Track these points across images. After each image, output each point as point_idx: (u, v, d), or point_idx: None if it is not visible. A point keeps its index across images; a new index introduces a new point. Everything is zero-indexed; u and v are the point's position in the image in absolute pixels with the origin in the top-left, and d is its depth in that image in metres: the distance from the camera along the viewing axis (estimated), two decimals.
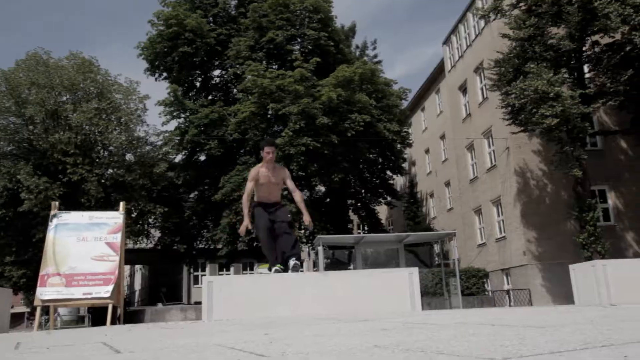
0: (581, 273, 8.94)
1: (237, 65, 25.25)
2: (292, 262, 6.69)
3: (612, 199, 21.94)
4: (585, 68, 20.10)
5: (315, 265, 21.11)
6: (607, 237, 19.23)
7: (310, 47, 25.42)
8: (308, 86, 23.22)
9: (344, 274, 9.49)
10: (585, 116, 18.64)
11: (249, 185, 6.77)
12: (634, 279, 7.94)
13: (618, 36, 18.29)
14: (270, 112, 24.04)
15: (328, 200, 27.42)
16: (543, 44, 19.22)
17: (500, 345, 1.56)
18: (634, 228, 20.81)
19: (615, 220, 21.65)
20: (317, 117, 22.37)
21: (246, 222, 6.58)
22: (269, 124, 24.26)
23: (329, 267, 23.51)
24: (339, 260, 23.20)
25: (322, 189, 27.67)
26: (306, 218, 6.80)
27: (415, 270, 8.73)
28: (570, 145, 18.44)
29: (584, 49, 19.54)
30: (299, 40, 25.89)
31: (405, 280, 8.47)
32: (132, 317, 15.90)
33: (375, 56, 30.72)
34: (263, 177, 6.71)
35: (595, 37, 19.01)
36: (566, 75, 19.04)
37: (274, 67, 25.66)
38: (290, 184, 6.96)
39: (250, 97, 23.77)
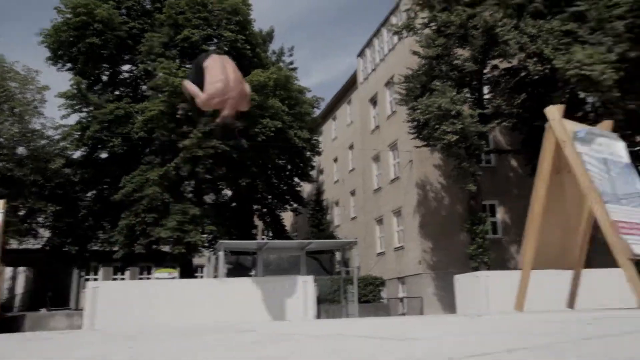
0: (464, 283, 9.47)
1: (149, 62, 24.35)
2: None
3: (500, 214, 23.45)
4: (485, 89, 21.37)
5: (216, 270, 20.75)
6: (493, 249, 20.51)
7: (226, 48, 25.01)
8: None
9: (239, 281, 9.39)
10: (482, 135, 19.81)
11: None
12: (511, 289, 8.46)
13: (515, 62, 19.63)
14: (180, 112, 23.37)
15: (234, 204, 27.09)
16: (449, 63, 20.24)
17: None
18: (518, 241, 22.19)
19: (502, 234, 23.14)
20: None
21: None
22: (178, 124, 23.59)
23: (231, 272, 23.19)
24: (243, 266, 22.96)
25: (229, 193, 27.30)
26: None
27: (309, 279, 8.82)
28: (468, 161, 19.49)
29: (485, 71, 20.76)
30: (215, 40, 25.43)
31: (300, 288, 8.54)
32: (9, 323, 14.62)
33: (292, 63, 30.73)
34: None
35: (496, 62, 20.27)
36: (468, 95, 20.16)
37: (187, 66, 24.99)
38: None
39: (160, 95, 23.00)
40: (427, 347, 1.77)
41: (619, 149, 5.65)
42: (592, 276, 9.13)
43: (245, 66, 24.68)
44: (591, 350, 1.64)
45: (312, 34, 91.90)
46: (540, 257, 5.93)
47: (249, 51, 25.04)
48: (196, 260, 30.25)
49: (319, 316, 19.07)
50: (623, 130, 19.49)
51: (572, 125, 5.40)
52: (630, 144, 21.45)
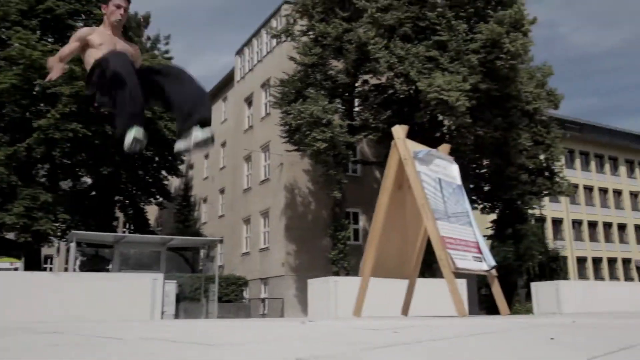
0: (316, 287, 9.82)
1: (3, 29, 22.07)
2: (199, 134, 3.46)
3: (362, 222, 24.61)
4: (356, 102, 22.31)
5: (67, 262, 19.39)
6: (354, 255, 21.45)
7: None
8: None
9: (81, 276, 8.88)
10: (350, 145, 20.67)
11: (71, 46, 3.91)
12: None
13: (384, 79, 20.76)
14: (37, 88, 21.50)
15: (93, 193, 25.48)
16: (324, 73, 20.90)
17: None
18: None
19: (363, 241, 24.27)
20: None
21: (58, 68, 3.78)
22: (33, 102, 21.66)
23: (86, 265, 21.79)
24: (104, 259, 21.69)
25: (89, 180, 25.64)
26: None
27: (160, 277, 8.57)
28: (335, 169, 20.23)
29: (356, 84, 21.71)
30: (83, 17, 23.71)
31: (149, 286, 8.26)
32: None
33: (167, 52, 29.66)
34: (102, 36, 3.99)
35: (367, 77, 21.28)
36: (339, 106, 20.92)
37: (49, 39, 23.03)
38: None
39: (14, 67, 20.95)
40: (224, 354, 1.83)
41: (453, 171, 6.24)
42: (430, 285, 9.92)
43: None
44: (379, 358, 1.78)
45: (192, 26, 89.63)
46: (380, 266, 6.30)
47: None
48: (47, 251, 27.94)
49: (177, 315, 18.64)
50: (473, 154, 21.59)
51: (414, 146, 5.85)
52: (478, 166, 23.87)
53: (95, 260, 21.92)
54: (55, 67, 3.78)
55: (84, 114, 20.81)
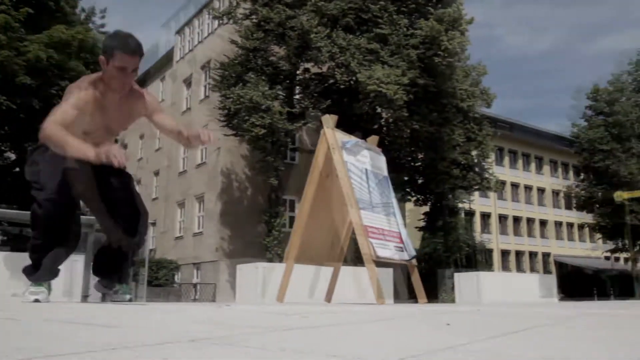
0: (245, 273, 9.80)
1: None
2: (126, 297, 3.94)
3: (298, 209, 24.73)
4: (296, 90, 22.30)
5: None
6: (288, 242, 21.59)
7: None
8: (12, 37, 20.22)
9: None
10: (288, 132, 20.68)
11: (67, 112, 3.10)
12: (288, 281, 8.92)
13: (325, 69, 20.87)
14: None
15: (17, 169, 24.20)
16: (265, 58, 20.74)
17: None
18: None
19: None
20: (17, 74, 19.63)
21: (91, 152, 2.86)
22: None
23: (7, 245, 20.78)
24: (29, 239, 20.70)
25: (12, 156, 24.34)
26: (201, 132, 3.31)
27: (80, 258, 8.30)
28: (272, 156, 20.20)
29: (297, 72, 21.68)
30: None
31: (68, 267, 7.98)
32: None
33: (103, 26, 28.41)
34: (92, 116, 3.22)
35: (308, 65, 21.28)
36: (279, 92, 20.85)
37: None
38: (161, 117, 3.49)
39: None
40: (111, 335, 1.81)
41: (380, 163, 6.38)
42: (362, 273, 10.12)
43: (44, 18, 22.20)
44: (269, 340, 1.80)
45: (131, 2, 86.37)
46: (305, 252, 6.38)
47: (52, 2, 22.54)
48: None
49: (104, 299, 18.13)
50: (408, 147, 22.11)
51: (343, 136, 5.94)
52: (413, 159, 24.49)
53: (17, 240, 20.96)
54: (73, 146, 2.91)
55: (10, 86, 19.73)
